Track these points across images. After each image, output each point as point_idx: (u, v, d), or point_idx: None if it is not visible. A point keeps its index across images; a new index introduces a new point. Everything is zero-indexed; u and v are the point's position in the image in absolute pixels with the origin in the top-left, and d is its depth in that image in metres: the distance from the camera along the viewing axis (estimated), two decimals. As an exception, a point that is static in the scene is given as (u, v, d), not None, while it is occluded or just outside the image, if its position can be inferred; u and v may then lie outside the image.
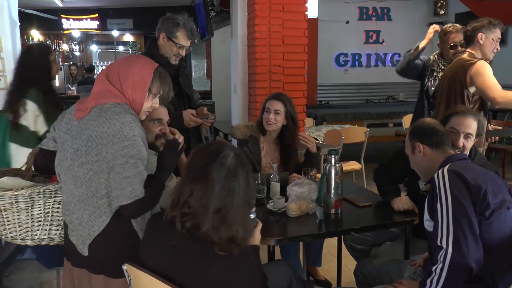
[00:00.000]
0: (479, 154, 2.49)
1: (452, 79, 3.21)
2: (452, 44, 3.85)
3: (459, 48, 3.76)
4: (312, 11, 6.43)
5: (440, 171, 1.88)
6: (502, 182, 1.91)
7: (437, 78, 3.85)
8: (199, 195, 1.51)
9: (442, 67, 3.87)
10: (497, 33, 3.22)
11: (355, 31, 10.41)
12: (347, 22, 10.21)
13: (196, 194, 1.51)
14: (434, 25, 3.95)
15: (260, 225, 1.79)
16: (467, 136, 2.33)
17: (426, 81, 3.98)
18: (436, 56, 4.04)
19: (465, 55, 3.24)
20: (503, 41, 8.07)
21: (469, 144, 2.35)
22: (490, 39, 3.20)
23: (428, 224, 1.94)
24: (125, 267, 1.68)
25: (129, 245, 1.80)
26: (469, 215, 1.76)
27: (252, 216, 1.81)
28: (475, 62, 3.10)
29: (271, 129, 3.01)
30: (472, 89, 3.13)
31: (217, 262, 1.49)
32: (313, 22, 7.69)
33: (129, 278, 1.69)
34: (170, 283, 1.52)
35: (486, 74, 3.07)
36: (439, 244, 1.76)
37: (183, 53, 2.94)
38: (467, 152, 2.35)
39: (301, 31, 5.02)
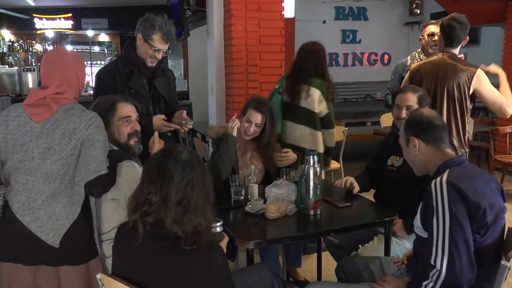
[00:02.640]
0: None
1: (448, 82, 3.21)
2: (429, 33, 4.00)
3: (436, 38, 3.85)
4: (288, 10, 6.44)
5: (438, 182, 1.77)
6: (495, 185, 1.84)
7: None
8: (158, 189, 1.54)
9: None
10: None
11: (332, 30, 10.42)
12: (324, 21, 10.21)
13: (156, 190, 1.54)
14: None
15: (226, 239, 1.85)
16: (408, 108, 2.63)
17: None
18: (416, 54, 4.08)
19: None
20: (476, 41, 8.23)
21: None
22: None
23: (419, 231, 1.87)
24: (99, 276, 1.68)
25: (91, 230, 2.08)
26: (466, 235, 1.69)
27: (218, 229, 1.81)
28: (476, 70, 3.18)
29: (248, 139, 2.98)
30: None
31: (184, 257, 1.50)
32: (290, 22, 7.68)
33: (103, 287, 1.68)
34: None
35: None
36: (432, 263, 1.71)
37: (159, 56, 2.86)
38: None
39: (278, 31, 5.02)
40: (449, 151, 1.93)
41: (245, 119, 2.94)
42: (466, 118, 3.23)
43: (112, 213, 2.11)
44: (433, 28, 3.97)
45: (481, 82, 3.17)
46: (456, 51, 3.31)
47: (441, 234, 1.69)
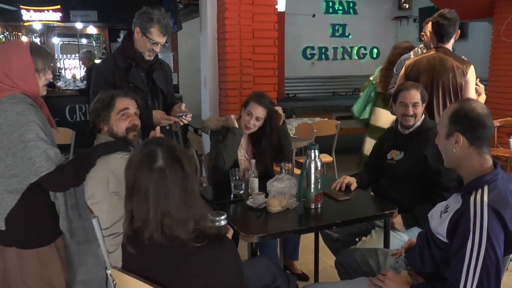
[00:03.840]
0: (429, 120, 2.83)
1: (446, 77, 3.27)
2: None
3: None
4: (280, 4, 6.44)
5: (478, 202, 1.66)
6: None
7: None
8: (137, 209, 1.52)
9: None
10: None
11: (321, 24, 10.46)
12: (314, 15, 10.25)
13: (136, 209, 1.52)
14: None
15: (231, 232, 1.84)
16: (414, 105, 2.70)
17: None
18: (419, 50, 4.10)
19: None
20: (464, 36, 8.29)
21: (418, 110, 2.72)
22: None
23: (439, 236, 1.80)
24: (109, 271, 1.66)
25: (45, 219, 2.13)
26: (499, 264, 1.61)
27: (223, 222, 1.81)
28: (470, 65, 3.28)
29: (248, 132, 3.00)
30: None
31: (196, 254, 1.50)
32: (281, 15, 7.67)
33: (114, 282, 1.67)
34: (154, 285, 1.51)
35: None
36: None
37: (157, 49, 2.86)
38: (419, 118, 2.74)
39: (271, 25, 5.02)
40: (488, 158, 1.79)
41: (247, 111, 2.96)
42: None
43: (114, 206, 2.11)
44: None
45: (471, 77, 3.27)
46: (449, 45, 3.37)
47: (474, 260, 1.61)
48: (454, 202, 1.79)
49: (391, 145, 2.84)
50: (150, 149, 1.53)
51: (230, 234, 1.85)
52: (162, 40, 2.83)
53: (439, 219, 1.82)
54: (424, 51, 4.05)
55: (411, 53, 4.23)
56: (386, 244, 2.50)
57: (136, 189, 1.50)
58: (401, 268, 2.07)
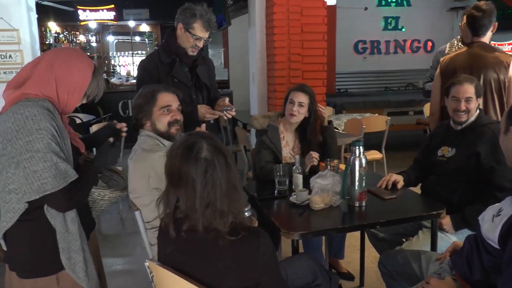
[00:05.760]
0: (484, 116, 2.69)
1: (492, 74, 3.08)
2: None
3: None
4: (330, -2, 6.34)
5: None
6: None
7: None
8: (184, 199, 1.52)
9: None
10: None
11: (373, 17, 10.23)
12: (366, 8, 10.02)
13: (182, 199, 1.53)
14: None
15: (255, 223, 1.83)
16: (467, 100, 2.56)
17: None
18: (455, 42, 3.88)
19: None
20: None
21: (472, 105, 2.58)
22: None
23: (491, 242, 1.67)
24: (147, 263, 1.69)
25: (44, 245, 1.73)
26: None
27: (246, 214, 1.79)
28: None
29: (294, 121, 2.97)
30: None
31: (232, 247, 1.50)
32: (332, 9, 7.57)
33: (151, 274, 1.70)
34: (189, 278, 1.52)
35: None
36: None
37: (200, 44, 2.87)
38: (473, 113, 2.59)
39: (320, 19, 4.95)
40: None
41: (289, 101, 2.96)
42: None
43: (155, 201, 2.13)
44: None
45: None
46: (485, 39, 3.18)
47: None
48: (508, 206, 1.66)
49: (442, 141, 2.71)
50: (194, 141, 1.55)
51: (254, 225, 1.84)
52: (205, 35, 2.84)
53: (490, 223, 1.69)
54: (460, 44, 3.82)
55: (447, 45, 4.00)
56: (434, 245, 2.40)
57: (184, 180, 1.51)
58: (445, 273, 1.96)
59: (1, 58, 4.61)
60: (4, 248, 1.75)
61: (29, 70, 1.75)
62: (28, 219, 1.69)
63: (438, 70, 3.32)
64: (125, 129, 2.16)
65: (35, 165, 1.61)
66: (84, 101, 1.87)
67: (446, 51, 3.98)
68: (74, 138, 1.88)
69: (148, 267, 1.69)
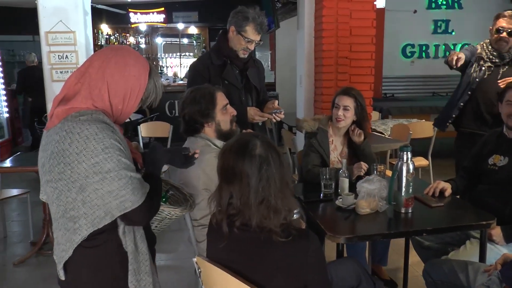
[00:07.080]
0: None
1: None
2: (498, 27, 3.46)
3: (504, 34, 3.40)
4: (379, 0, 6.27)
5: None
6: None
7: (483, 68, 3.51)
8: (238, 194, 1.54)
9: (491, 57, 3.51)
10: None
11: (422, 20, 10.03)
12: (415, 11, 9.84)
13: (236, 194, 1.55)
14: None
15: (303, 225, 1.82)
16: None
17: (471, 71, 3.60)
18: (485, 45, 3.70)
19: None
20: None
21: None
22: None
23: None
24: (195, 259, 1.73)
25: (110, 271, 1.56)
26: None
27: (295, 216, 1.80)
28: None
29: (340, 126, 2.96)
30: None
31: (282, 248, 1.51)
32: (380, 12, 7.47)
33: (199, 270, 1.73)
34: (237, 275, 1.54)
35: None
36: None
37: (252, 47, 2.91)
38: None
39: (369, 22, 4.92)
40: None
41: (335, 105, 2.96)
42: None
43: (205, 201, 2.19)
44: (505, 22, 3.45)
45: None
46: None
47: None
48: None
49: (494, 149, 2.63)
50: (248, 139, 1.59)
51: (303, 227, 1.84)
52: (256, 38, 2.88)
53: None
54: (489, 47, 3.61)
55: (478, 46, 3.80)
56: (482, 257, 2.33)
57: (238, 176, 1.54)
58: (494, 285, 1.93)
59: (58, 58, 4.84)
60: (62, 278, 1.58)
61: (76, 81, 1.55)
62: (94, 245, 1.52)
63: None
64: (197, 155, 1.97)
65: (108, 185, 1.45)
66: (140, 107, 1.73)
67: (478, 51, 3.77)
68: (130, 149, 1.67)
69: (196, 262, 1.73)
